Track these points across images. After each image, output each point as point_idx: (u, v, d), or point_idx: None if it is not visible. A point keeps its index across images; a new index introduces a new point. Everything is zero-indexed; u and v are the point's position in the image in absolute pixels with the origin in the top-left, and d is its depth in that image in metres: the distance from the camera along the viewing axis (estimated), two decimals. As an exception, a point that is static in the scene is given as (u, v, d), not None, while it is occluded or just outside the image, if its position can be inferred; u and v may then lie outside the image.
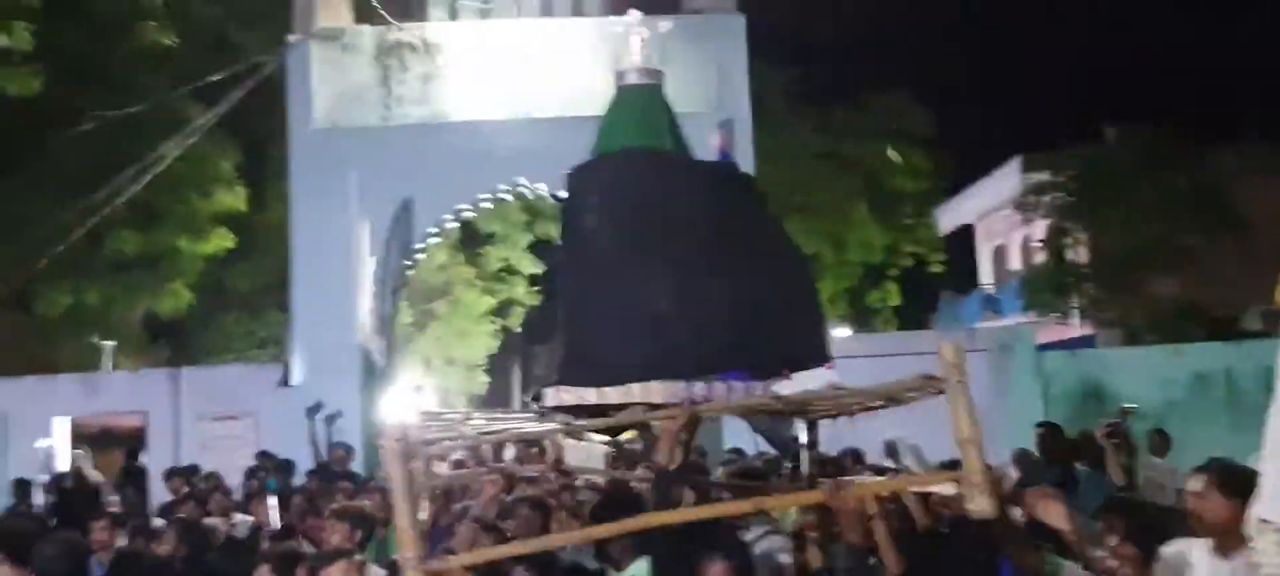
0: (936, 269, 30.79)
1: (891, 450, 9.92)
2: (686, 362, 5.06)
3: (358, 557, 4.28)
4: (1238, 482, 4.19)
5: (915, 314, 30.32)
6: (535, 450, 8.06)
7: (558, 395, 5.06)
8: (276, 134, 16.29)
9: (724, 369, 5.12)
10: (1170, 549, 4.05)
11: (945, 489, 4.46)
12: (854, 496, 3.88)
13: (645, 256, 5.30)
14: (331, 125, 15.03)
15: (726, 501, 5.36)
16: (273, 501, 8.33)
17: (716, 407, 4.77)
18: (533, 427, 6.11)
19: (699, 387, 5.01)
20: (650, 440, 6.06)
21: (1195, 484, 5.14)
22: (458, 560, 3.82)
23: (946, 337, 3.93)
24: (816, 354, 5.50)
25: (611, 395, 4.98)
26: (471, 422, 7.95)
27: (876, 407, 4.75)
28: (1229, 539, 4.15)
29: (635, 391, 4.96)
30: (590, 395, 5.01)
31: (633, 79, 6.06)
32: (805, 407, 4.61)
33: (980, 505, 3.77)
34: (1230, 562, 4.16)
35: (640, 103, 5.96)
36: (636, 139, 5.75)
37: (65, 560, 4.74)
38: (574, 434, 6.09)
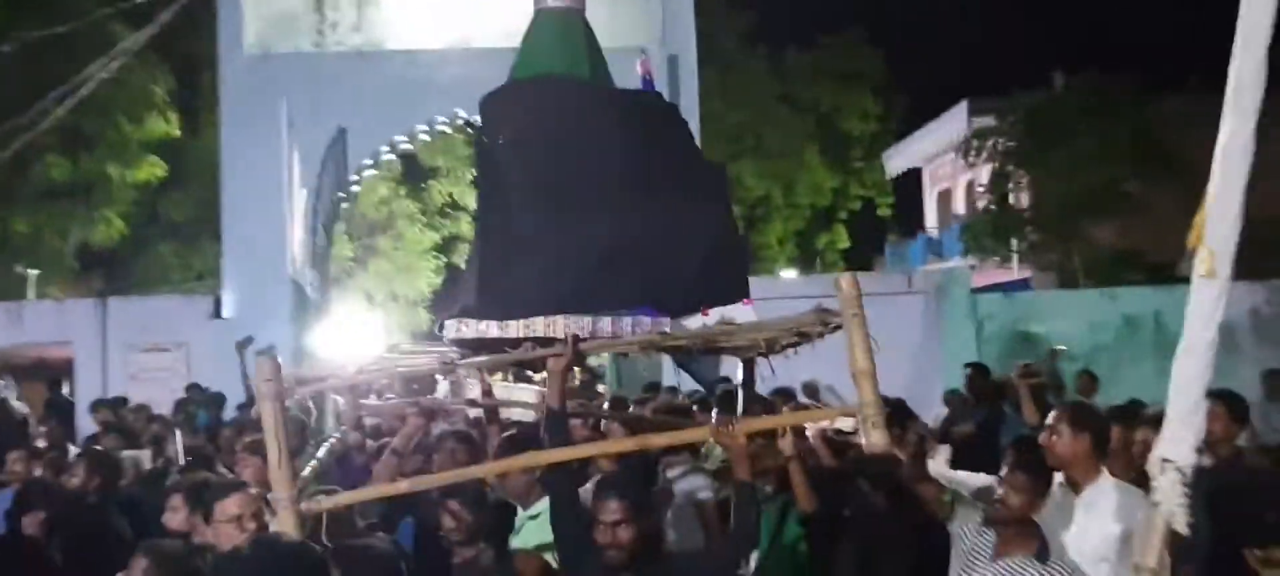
0: (884, 212, 30.96)
1: (810, 390, 9.93)
2: (594, 298, 4.86)
3: (254, 490, 4.13)
4: (1085, 420, 4.43)
5: (862, 257, 30.50)
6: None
7: (459, 328, 4.88)
8: (210, 59, 15.85)
9: (634, 304, 4.95)
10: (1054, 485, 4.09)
11: (843, 423, 4.42)
12: (739, 431, 3.78)
13: (554, 188, 5.09)
14: (263, 51, 14.63)
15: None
16: (179, 435, 8.13)
17: (599, 344, 4.62)
18: (417, 363, 5.92)
19: (605, 323, 4.86)
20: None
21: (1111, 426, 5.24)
22: (330, 501, 3.70)
23: (843, 278, 3.79)
24: (734, 290, 5.32)
25: (514, 329, 4.78)
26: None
27: (789, 345, 4.67)
28: (1077, 472, 4.32)
29: (539, 326, 4.78)
30: (492, 329, 4.83)
31: (552, 2, 5.85)
32: (698, 343, 4.51)
33: (874, 439, 3.73)
34: (1079, 495, 4.29)
35: (558, 28, 5.74)
36: (551, 66, 5.54)
37: None
38: (487, 370, 5.93)
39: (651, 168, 5.30)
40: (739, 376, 5.79)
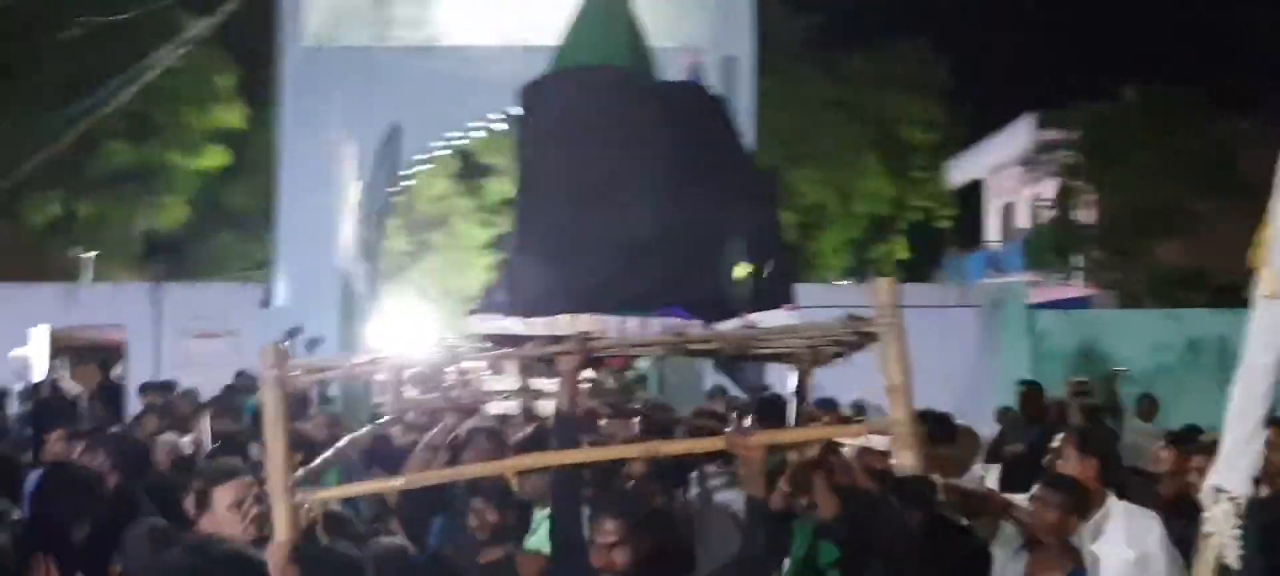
0: (944, 224, 30.39)
1: (859, 411, 9.68)
2: (623, 297, 4.62)
3: (249, 477, 4.03)
4: (1093, 444, 4.38)
5: (920, 269, 29.96)
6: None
7: (481, 323, 4.75)
8: (274, 51, 16.00)
9: (665, 306, 4.68)
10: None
11: (875, 441, 4.22)
12: (757, 442, 3.57)
13: (589, 181, 4.87)
14: (322, 43, 14.71)
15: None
16: (205, 421, 8.13)
17: (609, 343, 4.38)
18: (421, 356, 5.79)
19: (632, 324, 4.65)
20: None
21: (1164, 450, 5.06)
22: (324, 493, 3.60)
23: (879, 283, 3.57)
24: (776, 296, 4.94)
25: (539, 326, 4.57)
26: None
27: (836, 355, 4.47)
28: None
29: (563, 324, 4.58)
30: (516, 325, 4.68)
31: (597, -10, 5.68)
32: (727, 347, 4.31)
33: (905, 460, 3.50)
34: (1087, 522, 4.15)
35: (602, 17, 5.59)
36: (592, 56, 5.37)
37: None
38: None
39: (692, 162, 5.06)
40: (791, 386, 5.59)
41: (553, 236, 4.89)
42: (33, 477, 6.06)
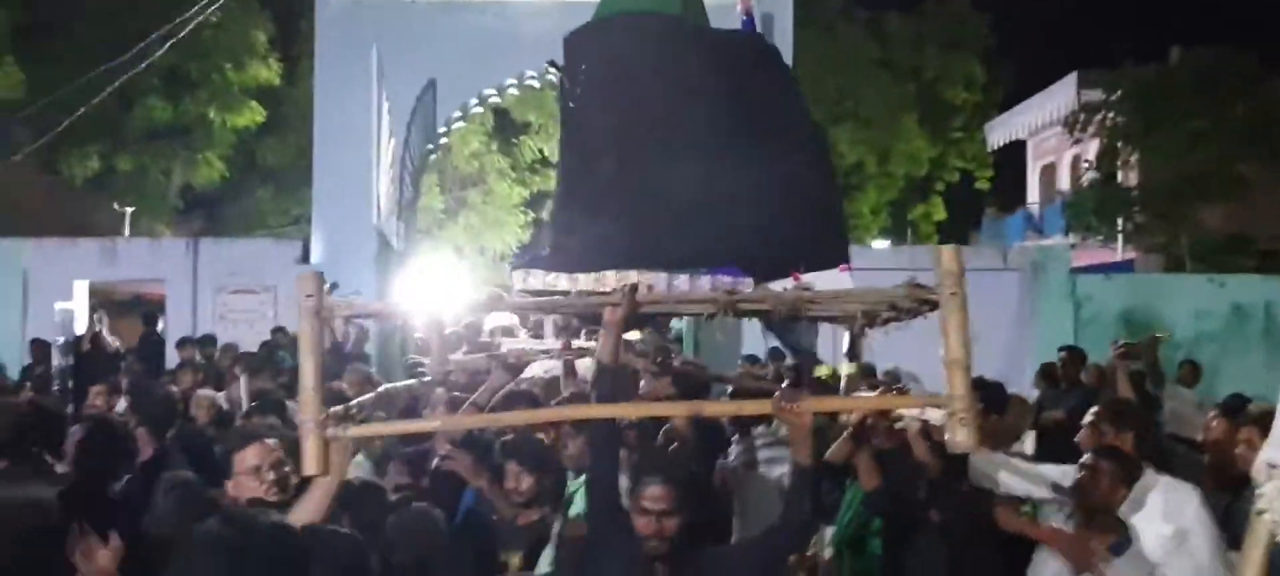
0: (983, 185, 30.03)
1: (892, 379, 9.56)
2: (673, 253, 4.48)
3: (272, 441, 4.01)
4: (1128, 418, 4.31)
5: (958, 230, 29.62)
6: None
7: (527, 279, 4.66)
8: (309, 6, 15.97)
9: (717, 263, 4.52)
10: None
11: (931, 415, 4.11)
12: (805, 408, 3.41)
13: (637, 133, 4.70)
14: (357, -1, 14.66)
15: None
16: (244, 379, 8.14)
17: (658, 298, 4.22)
18: (452, 307, 5.69)
19: (682, 282, 4.52)
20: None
21: (1214, 420, 4.93)
22: (357, 430, 3.51)
23: (945, 250, 3.38)
24: (831, 254, 4.78)
25: (584, 283, 4.43)
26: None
27: (889, 319, 4.34)
28: None
29: (610, 281, 4.48)
30: (561, 282, 4.58)
31: (642, -66, 5.46)
32: (779, 308, 4.19)
33: (960, 438, 3.29)
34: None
35: (648, -37, 5.38)
36: (639, 3, 5.18)
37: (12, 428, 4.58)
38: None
39: (745, 115, 4.82)
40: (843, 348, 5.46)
41: (599, 191, 4.68)
42: (75, 431, 6.12)
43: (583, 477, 4.53)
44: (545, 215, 24.54)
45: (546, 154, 24.63)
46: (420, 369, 8.18)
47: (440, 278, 19.70)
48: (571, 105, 5.19)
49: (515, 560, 4.51)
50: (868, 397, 4.81)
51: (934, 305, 3.46)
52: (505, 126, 23.88)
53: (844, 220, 5.84)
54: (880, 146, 27.76)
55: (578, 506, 4.36)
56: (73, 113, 16.37)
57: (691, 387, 5.76)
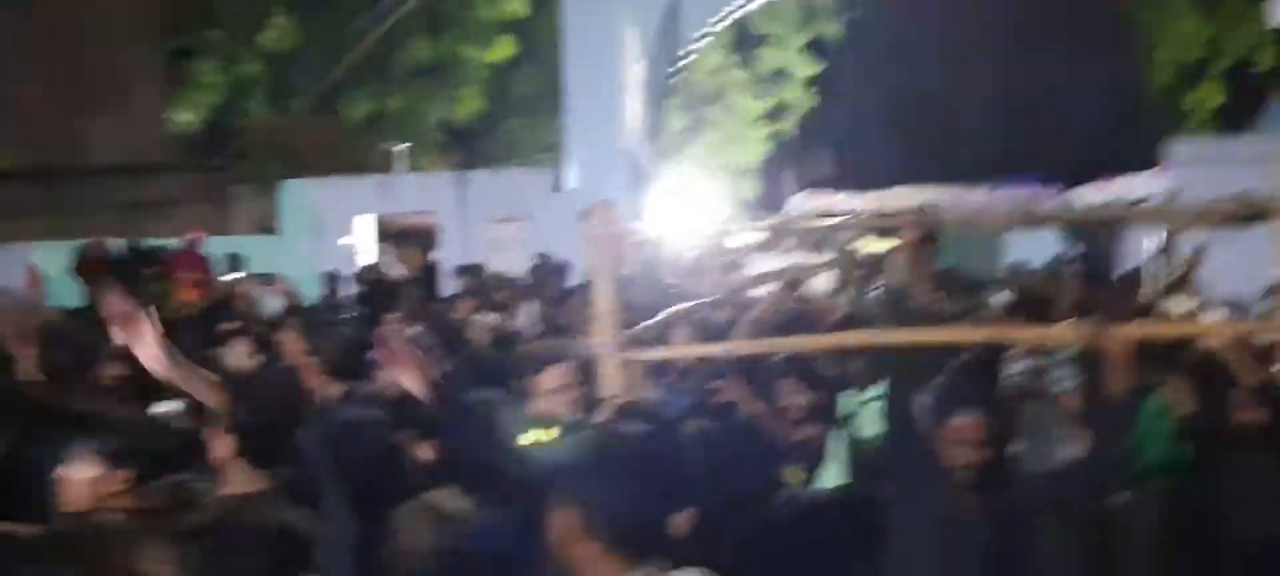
0: (1265, 68, 27.49)
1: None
2: (968, 164, 4.17)
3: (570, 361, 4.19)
4: None
5: (1238, 118, 27.27)
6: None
7: (802, 203, 4.44)
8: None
9: (1017, 171, 4.17)
10: None
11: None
12: (1126, 339, 3.15)
13: (925, 36, 4.37)
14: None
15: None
16: (526, 305, 8.54)
17: (959, 214, 3.96)
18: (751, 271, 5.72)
19: (976, 195, 4.12)
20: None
21: None
22: (653, 351, 3.60)
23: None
24: (1143, 154, 4.33)
25: (870, 200, 4.18)
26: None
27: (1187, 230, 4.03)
28: None
29: (900, 196, 4.12)
30: (844, 201, 4.26)
31: None
32: (1089, 221, 3.88)
33: None
34: None
35: None
36: None
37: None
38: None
39: (1043, 8, 4.42)
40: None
41: (885, 100, 4.44)
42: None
43: (865, 394, 4.57)
44: (788, 129, 24.36)
45: (784, 65, 24.32)
46: (675, 290, 8.32)
47: (691, 198, 19.94)
48: (853, 10, 5.02)
49: (798, 476, 4.62)
50: (1194, 324, 4.45)
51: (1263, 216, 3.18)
52: (743, 39, 23.70)
53: (1157, 117, 5.29)
54: (1148, 28, 25.73)
55: (858, 426, 4.38)
56: (342, 55, 17.50)
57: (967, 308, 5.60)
